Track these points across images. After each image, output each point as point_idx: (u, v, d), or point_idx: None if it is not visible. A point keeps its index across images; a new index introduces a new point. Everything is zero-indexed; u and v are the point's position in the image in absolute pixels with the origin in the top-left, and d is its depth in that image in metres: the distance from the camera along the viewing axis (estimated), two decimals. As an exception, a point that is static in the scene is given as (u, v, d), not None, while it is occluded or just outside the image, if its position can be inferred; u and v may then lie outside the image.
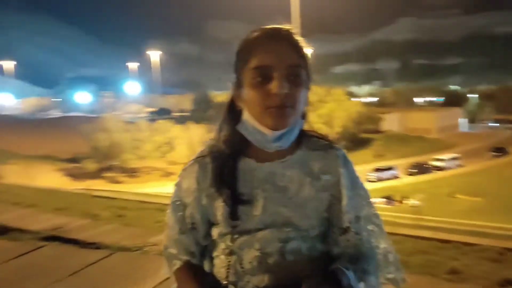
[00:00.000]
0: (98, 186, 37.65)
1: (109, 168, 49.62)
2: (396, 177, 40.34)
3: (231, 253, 1.15)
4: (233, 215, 1.14)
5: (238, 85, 1.15)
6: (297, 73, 1.10)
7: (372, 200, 1.25)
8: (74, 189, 22.52)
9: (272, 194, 1.15)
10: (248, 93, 1.10)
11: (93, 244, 4.45)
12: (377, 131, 57.60)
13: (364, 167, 37.90)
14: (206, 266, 1.23)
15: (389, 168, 41.18)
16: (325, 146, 1.21)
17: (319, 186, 1.17)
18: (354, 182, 1.21)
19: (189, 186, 1.22)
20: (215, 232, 1.20)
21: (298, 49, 1.11)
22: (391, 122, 59.16)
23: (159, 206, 15.09)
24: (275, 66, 1.07)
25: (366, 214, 1.21)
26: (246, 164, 1.18)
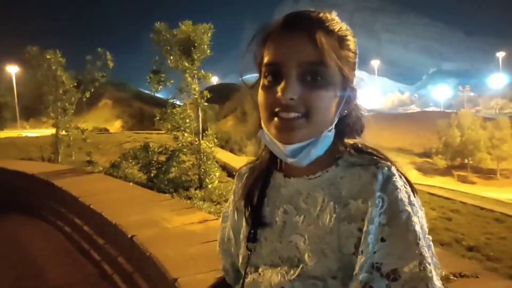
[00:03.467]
0: (447, 183, 36.70)
1: (461, 167, 47.29)
2: None
3: None
4: (251, 237, 0.98)
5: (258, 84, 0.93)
6: (315, 72, 0.85)
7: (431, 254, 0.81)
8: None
9: (292, 218, 0.93)
10: (258, 95, 0.90)
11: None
12: None
13: None
14: None
15: None
16: (367, 163, 0.88)
17: (344, 215, 0.86)
18: (396, 216, 0.80)
19: (230, 198, 1.11)
20: (240, 255, 1.03)
21: (320, 39, 0.84)
22: None
23: (497, 215, 13.04)
24: (285, 63, 0.85)
25: (412, 271, 0.77)
26: (275, 178, 1.00)
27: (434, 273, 0.78)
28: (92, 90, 11.79)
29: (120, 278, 3.69)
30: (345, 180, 0.89)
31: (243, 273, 1.00)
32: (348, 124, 0.93)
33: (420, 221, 0.82)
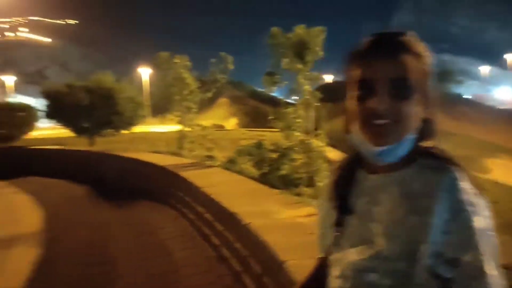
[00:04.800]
0: None
1: None
2: None
3: (330, 266, 1.20)
4: (338, 223, 1.19)
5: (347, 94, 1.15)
6: (401, 86, 1.06)
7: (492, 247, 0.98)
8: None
9: (371, 207, 1.13)
10: (351, 105, 1.11)
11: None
12: None
13: None
14: None
15: None
16: (437, 166, 1.07)
17: (411, 209, 1.04)
18: (458, 214, 0.99)
19: (326, 189, 1.31)
20: (330, 238, 1.24)
21: (403, 60, 1.06)
22: None
23: None
24: (376, 80, 1.06)
25: (469, 260, 0.96)
26: (359, 174, 1.19)
27: (487, 262, 0.95)
28: (214, 91, 12.83)
29: (237, 261, 4.13)
30: (417, 179, 1.07)
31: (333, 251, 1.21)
32: (425, 129, 1.11)
33: (483, 220, 0.99)
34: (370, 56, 1.09)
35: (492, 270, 0.95)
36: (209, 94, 12.88)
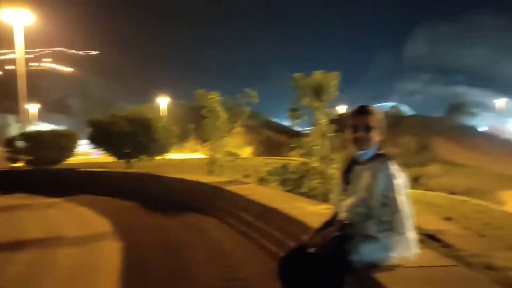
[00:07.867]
0: None
1: None
2: None
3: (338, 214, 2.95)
4: (344, 189, 2.95)
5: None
6: (368, 127, 2.78)
7: None
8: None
9: (357, 179, 2.85)
10: (348, 134, 2.88)
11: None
12: None
13: None
14: None
15: None
16: (383, 159, 2.77)
17: (373, 178, 2.74)
18: (389, 177, 2.71)
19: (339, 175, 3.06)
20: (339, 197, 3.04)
21: (369, 116, 2.79)
22: None
23: None
24: (358, 124, 2.81)
25: (392, 195, 2.72)
26: (353, 165, 2.94)
27: (399, 194, 2.73)
28: (239, 121, 14.81)
29: (273, 245, 5.83)
30: (375, 166, 2.77)
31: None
32: (381, 144, 2.87)
33: (399, 180, 2.75)
34: (356, 115, 2.88)
35: (401, 198, 2.67)
36: (237, 125, 14.85)
